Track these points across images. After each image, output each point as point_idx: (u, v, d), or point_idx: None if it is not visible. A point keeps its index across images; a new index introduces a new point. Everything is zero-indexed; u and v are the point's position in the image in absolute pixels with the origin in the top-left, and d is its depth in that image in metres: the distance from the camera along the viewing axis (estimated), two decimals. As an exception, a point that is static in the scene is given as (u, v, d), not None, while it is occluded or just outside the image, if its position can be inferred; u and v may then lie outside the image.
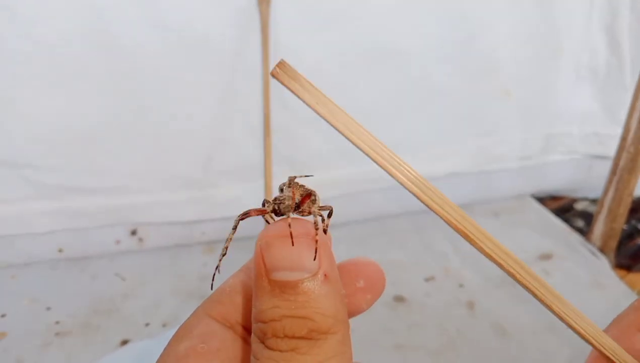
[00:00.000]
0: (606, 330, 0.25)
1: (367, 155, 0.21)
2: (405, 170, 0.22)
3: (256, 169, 0.56)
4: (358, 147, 0.21)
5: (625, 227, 0.66)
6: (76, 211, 0.53)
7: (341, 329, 0.21)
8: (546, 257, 0.58)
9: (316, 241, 0.22)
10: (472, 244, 0.22)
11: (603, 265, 0.57)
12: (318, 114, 0.21)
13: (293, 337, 0.20)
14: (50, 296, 0.52)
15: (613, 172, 0.56)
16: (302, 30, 0.53)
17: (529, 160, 0.65)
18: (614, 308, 0.52)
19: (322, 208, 0.24)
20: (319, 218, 0.23)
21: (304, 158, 0.57)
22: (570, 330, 0.49)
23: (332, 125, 0.21)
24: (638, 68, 0.56)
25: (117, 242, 0.56)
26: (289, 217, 0.22)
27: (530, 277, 0.22)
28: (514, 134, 0.64)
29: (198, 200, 0.55)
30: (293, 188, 0.24)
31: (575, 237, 0.61)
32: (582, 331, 0.23)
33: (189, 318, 0.26)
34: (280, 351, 0.20)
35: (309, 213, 0.24)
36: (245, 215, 0.23)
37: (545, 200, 0.71)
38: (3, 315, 0.50)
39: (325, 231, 0.24)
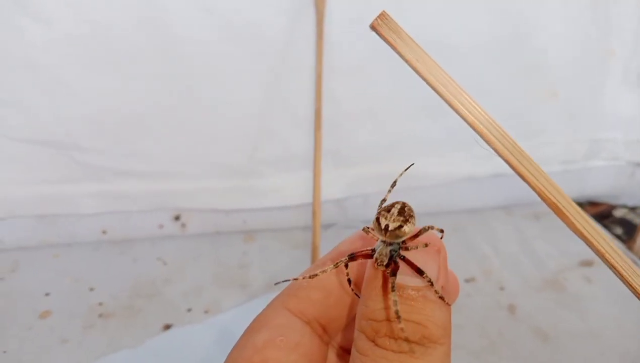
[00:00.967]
0: None
1: (463, 117, 0.21)
2: (500, 134, 0.21)
3: (300, 160, 0.56)
4: (454, 109, 0.21)
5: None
6: (121, 194, 0.54)
7: (448, 342, 0.22)
8: (587, 263, 0.58)
9: (440, 253, 0.23)
10: (548, 204, 0.21)
11: (645, 274, 0.56)
12: (416, 70, 0.20)
13: (407, 340, 0.21)
14: (93, 277, 0.53)
15: (661, 180, 0.55)
16: (355, 25, 0.52)
17: (571, 165, 0.64)
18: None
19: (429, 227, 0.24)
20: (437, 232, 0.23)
21: (348, 152, 0.57)
22: (610, 339, 0.48)
23: (428, 83, 0.21)
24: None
25: (160, 226, 0.56)
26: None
27: (617, 256, 0.21)
28: (558, 136, 0.63)
29: (241, 188, 0.56)
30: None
31: (616, 244, 0.60)
32: None
33: (265, 309, 0.26)
34: (394, 352, 0.21)
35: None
36: (352, 259, 0.23)
37: (585, 205, 0.70)
38: (47, 294, 0.51)
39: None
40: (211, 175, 0.55)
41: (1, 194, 0.52)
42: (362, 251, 0.22)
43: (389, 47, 0.57)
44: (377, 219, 0.22)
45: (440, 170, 0.60)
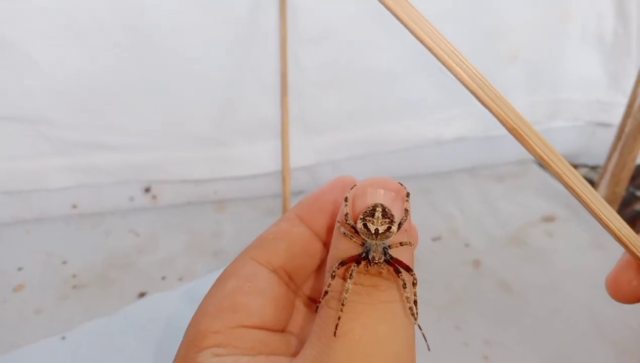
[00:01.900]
0: None
1: (439, 59, 0.22)
2: (461, 61, 0.22)
3: (269, 128, 0.56)
4: (431, 51, 0.22)
5: (623, 193, 0.68)
6: (90, 167, 0.54)
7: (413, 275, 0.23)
8: (549, 219, 0.60)
9: (404, 199, 0.24)
10: (522, 143, 0.22)
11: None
12: (392, 11, 0.21)
13: (374, 275, 0.22)
14: (66, 250, 0.53)
15: (618, 137, 0.57)
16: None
17: (534, 126, 0.66)
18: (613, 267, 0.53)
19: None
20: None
21: (315, 119, 0.58)
22: (572, 289, 0.51)
23: (406, 26, 0.21)
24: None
25: (131, 199, 0.56)
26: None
27: (577, 180, 0.23)
28: (520, 99, 0.65)
29: (211, 158, 0.56)
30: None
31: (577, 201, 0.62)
32: (617, 231, 0.24)
33: (233, 262, 0.27)
34: (362, 285, 0.22)
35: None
36: (343, 264, 0.24)
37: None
38: (20, 269, 0.51)
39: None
40: (180, 145, 0.55)
41: (-31, 171, 0.52)
42: (351, 257, 0.24)
43: (353, 12, 0.57)
44: (365, 225, 0.24)
45: (406, 135, 0.62)
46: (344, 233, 0.24)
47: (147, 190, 0.57)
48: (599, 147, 0.68)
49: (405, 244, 0.24)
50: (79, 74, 0.51)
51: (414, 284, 0.23)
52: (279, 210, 0.59)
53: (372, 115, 0.59)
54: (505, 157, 0.68)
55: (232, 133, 0.56)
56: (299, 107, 0.56)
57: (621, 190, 0.59)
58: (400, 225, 0.24)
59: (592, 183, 0.64)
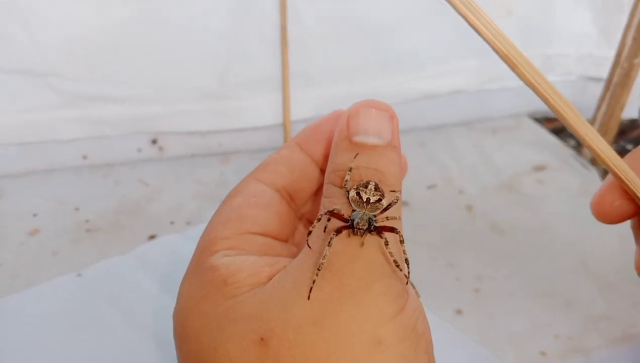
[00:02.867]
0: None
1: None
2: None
3: (270, 81, 0.58)
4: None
5: (614, 146, 0.70)
6: (99, 119, 0.56)
7: (400, 194, 0.26)
8: (540, 168, 0.62)
9: (393, 119, 0.27)
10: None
11: (593, 176, 0.61)
12: None
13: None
14: (78, 199, 0.55)
15: (607, 87, 0.59)
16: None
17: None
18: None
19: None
20: None
21: (315, 72, 0.60)
22: (559, 231, 0.53)
23: None
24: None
25: (139, 150, 0.59)
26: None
27: (560, 101, 0.25)
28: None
29: (215, 110, 0.58)
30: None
31: (568, 152, 0.65)
32: (600, 153, 0.26)
33: (238, 183, 0.30)
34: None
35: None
36: (331, 214, 0.25)
37: (541, 121, 0.75)
38: (34, 215, 0.53)
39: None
40: (185, 98, 0.57)
41: (-16, 124, 0.54)
42: (339, 215, 0.25)
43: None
44: (358, 194, 0.25)
45: (403, 89, 0.64)
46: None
47: (154, 141, 0.59)
48: (590, 101, 0.70)
49: (392, 219, 0.25)
50: (87, 30, 0.53)
51: (402, 242, 0.25)
52: (281, 162, 0.61)
53: (370, 69, 0.61)
54: (499, 111, 0.70)
55: (235, 86, 0.58)
56: (299, 61, 0.58)
57: (610, 138, 0.61)
58: (389, 206, 0.25)
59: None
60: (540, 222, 0.55)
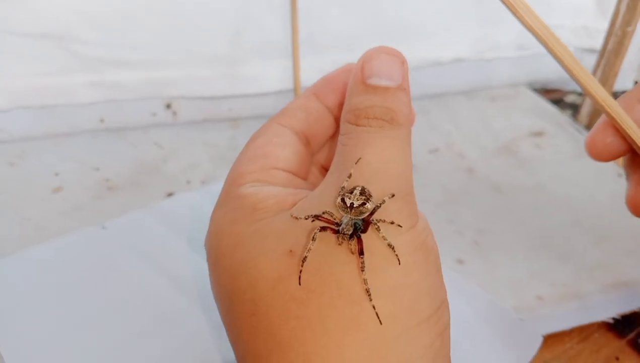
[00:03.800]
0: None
1: None
2: None
3: (280, 48, 0.61)
4: None
5: (608, 116, 0.73)
6: (116, 83, 0.58)
7: (408, 129, 0.29)
8: (538, 134, 0.65)
9: (404, 64, 0.30)
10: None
11: (588, 141, 0.64)
12: None
13: (381, 119, 0.28)
14: (97, 160, 0.58)
15: (601, 55, 0.62)
16: None
17: (525, 50, 0.71)
18: (595, 174, 0.60)
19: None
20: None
21: (325, 39, 0.62)
22: (556, 190, 0.56)
23: None
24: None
25: (153, 114, 0.61)
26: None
27: (558, 44, 0.27)
28: (513, 24, 0.69)
29: (226, 76, 0.61)
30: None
31: (565, 118, 0.68)
32: (594, 93, 0.29)
33: (260, 127, 0.33)
34: (370, 126, 0.28)
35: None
36: (323, 229, 0.26)
37: (539, 91, 0.77)
38: (56, 174, 0.56)
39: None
40: (198, 63, 0.60)
41: (5, 87, 0.56)
42: (328, 220, 0.26)
43: None
44: (342, 199, 0.26)
45: (409, 57, 0.65)
46: None
47: (168, 106, 0.61)
48: (586, 72, 0.73)
49: (381, 221, 0.26)
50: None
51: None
52: (289, 127, 0.64)
53: (376, 37, 0.64)
54: (499, 80, 0.73)
55: (245, 52, 0.60)
56: (307, 28, 0.60)
57: (604, 105, 0.64)
58: (375, 210, 0.26)
59: (578, 108, 0.70)
60: (536, 182, 0.58)
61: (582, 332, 0.43)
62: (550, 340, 0.42)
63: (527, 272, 0.47)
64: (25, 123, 0.59)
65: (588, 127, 0.65)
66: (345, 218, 0.26)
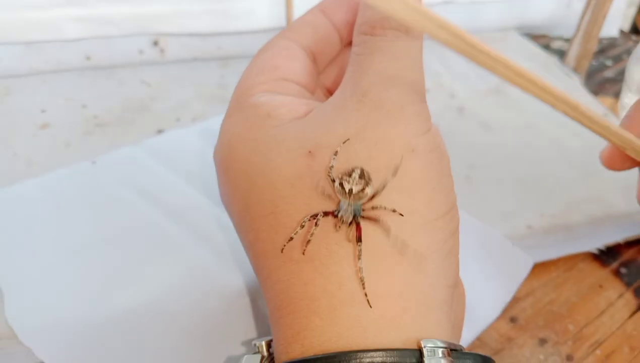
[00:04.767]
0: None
1: None
2: None
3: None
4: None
5: (594, 62, 0.74)
6: (102, 19, 0.57)
7: (420, 43, 0.28)
8: (526, 75, 0.65)
9: None
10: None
11: (575, 83, 0.65)
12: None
13: (398, 30, 0.27)
14: (84, 97, 0.57)
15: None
16: None
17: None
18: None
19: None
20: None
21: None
22: (543, 128, 0.57)
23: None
24: None
25: (141, 52, 0.60)
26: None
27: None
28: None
29: (215, 11, 0.60)
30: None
31: (553, 60, 0.68)
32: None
33: (267, 42, 0.32)
34: (386, 36, 0.27)
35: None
36: (314, 217, 0.25)
37: (527, 35, 0.78)
38: (43, 111, 0.55)
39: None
40: (186, -1, 0.59)
41: (-13, 20, 0.54)
42: (326, 212, 0.25)
43: None
44: (341, 184, 0.25)
45: None
46: None
47: (156, 43, 0.60)
48: (574, 19, 0.73)
49: (381, 208, 0.25)
50: None
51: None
52: (279, 67, 0.63)
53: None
54: (488, 24, 0.73)
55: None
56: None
57: (592, 46, 0.64)
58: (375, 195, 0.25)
59: (564, 54, 0.70)
60: (524, 120, 0.59)
61: (568, 262, 0.45)
62: (538, 269, 0.43)
63: (517, 204, 0.48)
64: (9, 59, 0.57)
65: (575, 68, 0.66)
66: (344, 204, 0.25)
